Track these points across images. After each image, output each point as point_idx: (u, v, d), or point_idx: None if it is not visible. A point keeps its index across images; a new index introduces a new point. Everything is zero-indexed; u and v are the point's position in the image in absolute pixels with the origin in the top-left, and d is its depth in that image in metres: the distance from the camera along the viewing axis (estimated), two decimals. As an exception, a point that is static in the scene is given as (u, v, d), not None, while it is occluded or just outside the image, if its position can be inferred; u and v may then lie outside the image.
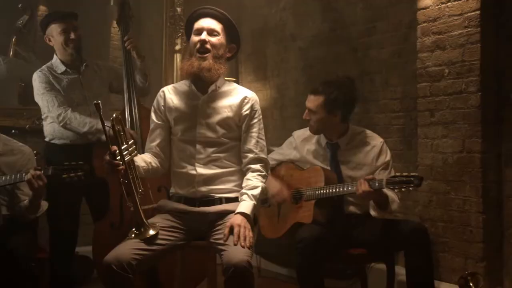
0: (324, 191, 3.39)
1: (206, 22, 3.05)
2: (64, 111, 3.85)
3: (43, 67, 3.99)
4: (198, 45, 3.01)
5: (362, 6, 4.46)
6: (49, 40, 3.97)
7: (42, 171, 3.34)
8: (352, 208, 3.47)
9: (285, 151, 3.74)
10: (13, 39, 4.79)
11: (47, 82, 3.90)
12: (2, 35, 4.80)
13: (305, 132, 3.66)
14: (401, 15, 4.17)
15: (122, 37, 4.07)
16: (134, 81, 3.98)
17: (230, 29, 3.11)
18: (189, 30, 3.14)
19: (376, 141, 3.53)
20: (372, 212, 3.35)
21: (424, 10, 3.77)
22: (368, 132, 3.59)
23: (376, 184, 3.17)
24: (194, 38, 3.04)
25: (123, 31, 4.07)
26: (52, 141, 3.98)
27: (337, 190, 3.35)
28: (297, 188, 3.54)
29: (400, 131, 4.22)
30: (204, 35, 3.02)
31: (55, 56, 4.00)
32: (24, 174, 3.36)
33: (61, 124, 3.86)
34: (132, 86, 3.97)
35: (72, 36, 3.92)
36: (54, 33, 3.93)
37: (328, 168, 3.52)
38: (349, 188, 3.31)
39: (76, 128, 3.84)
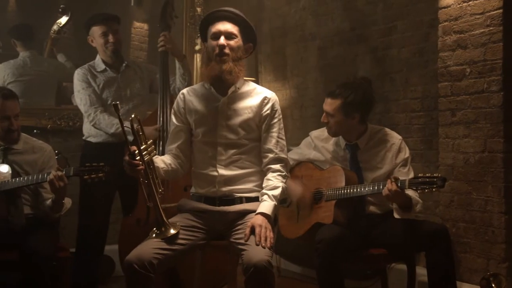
0: (345, 191, 3.37)
1: (223, 26, 3.04)
2: (94, 111, 3.91)
3: (85, 64, 4.06)
4: (217, 50, 3.01)
5: (383, 5, 4.44)
6: (91, 41, 4.03)
7: (64, 172, 3.37)
8: (372, 208, 3.46)
9: (304, 151, 3.73)
10: (49, 40, 4.83)
11: (84, 80, 3.98)
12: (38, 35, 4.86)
13: (322, 132, 3.65)
14: (422, 14, 4.14)
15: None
16: (167, 80, 4.01)
17: (246, 29, 3.11)
18: (204, 33, 3.15)
19: (395, 138, 3.51)
20: (396, 215, 3.32)
21: (446, 9, 3.74)
22: (387, 130, 3.57)
23: (399, 184, 3.16)
24: (212, 43, 3.04)
25: (162, 30, 4.09)
26: (88, 139, 4.05)
27: (359, 190, 3.34)
28: (317, 188, 3.53)
29: (420, 130, 4.20)
30: (222, 40, 3.01)
31: (98, 55, 4.07)
32: (46, 175, 3.39)
33: (91, 124, 3.94)
34: (165, 85, 4.00)
35: (111, 39, 3.97)
36: (95, 35, 3.99)
37: (348, 168, 3.51)
38: (371, 189, 3.30)
39: (104, 128, 3.91)
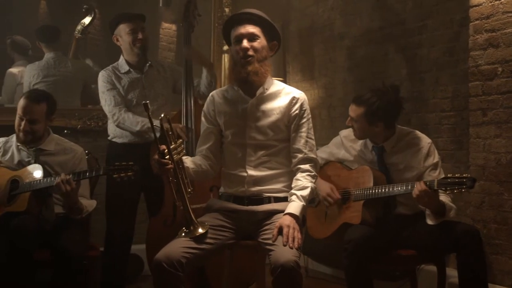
0: (374, 191, 3.35)
1: (244, 28, 3.04)
2: (119, 110, 3.93)
3: (109, 66, 4.09)
4: (241, 53, 3.02)
5: (412, 4, 4.40)
6: (117, 40, 4.05)
7: (71, 176, 3.39)
8: (401, 209, 3.43)
9: (333, 150, 3.72)
10: (74, 40, 4.88)
11: (109, 82, 4.00)
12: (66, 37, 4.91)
13: (351, 132, 3.63)
14: (452, 13, 4.09)
15: (185, 36, 4.12)
16: (191, 82, 4.02)
17: (268, 28, 3.10)
18: (227, 36, 3.16)
19: (424, 142, 3.47)
20: (429, 221, 3.29)
21: (477, 7, 3.70)
22: (416, 133, 3.54)
23: (428, 184, 3.12)
24: (236, 47, 3.05)
25: (186, 29, 4.11)
26: (113, 140, 4.08)
27: (387, 190, 3.31)
28: (345, 188, 3.52)
29: (450, 130, 4.15)
30: (245, 43, 3.02)
31: (121, 56, 4.09)
32: (53, 178, 3.42)
33: (115, 124, 3.95)
34: (190, 86, 4.01)
35: (140, 36, 3.99)
36: (123, 33, 4.00)
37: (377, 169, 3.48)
38: (399, 189, 3.27)
39: (129, 127, 3.91)
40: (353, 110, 3.50)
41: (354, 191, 3.45)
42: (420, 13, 4.35)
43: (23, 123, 3.56)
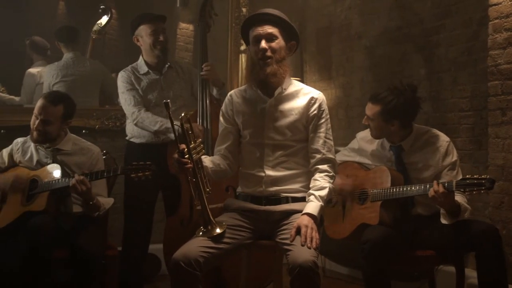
0: (391, 191, 3.33)
1: (262, 29, 3.04)
2: (138, 110, 3.94)
3: (128, 66, 4.10)
4: (259, 54, 3.02)
5: (431, 3, 4.38)
6: (137, 40, 4.06)
7: (93, 175, 3.43)
8: (419, 210, 3.41)
9: (349, 153, 3.71)
10: (91, 41, 4.91)
11: (128, 82, 4.01)
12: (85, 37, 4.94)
13: (368, 133, 3.62)
14: (471, 12, 4.06)
15: (201, 36, 4.13)
16: (207, 82, 4.03)
17: (287, 29, 3.09)
18: (245, 36, 3.16)
19: (442, 141, 3.45)
20: (443, 221, 3.27)
21: (496, 6, 3.66)
22: (434, 131, 3.51)
23: (446, 185, 3.10)
24: (254, 47, 3.05)
25: (202, 29, 4.12)
26: (131, 140, 4.10)
27: (404, 190, 3.29)
28: (362, 188, 3.50)
29: (469, 130, 4.12)
30: (263, 43, 3.01)
31: (140, 57, 4.10)
32: (68, 179, 3.45)
33: (134, 123, 3.96)
34: (206, 86, 4.02)
35: (161, 38, 4.00)
36: (144, 34, 4.01)
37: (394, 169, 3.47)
38: (417, 189, 3.25)
39: (148, 126, 3.92)
40: (370, 109, 3.49)
41: (371, 192, 3.43)
42: (439, 12, 4.32)
43: (37, 122, 3.59)
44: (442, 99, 4.30)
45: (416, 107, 3.47)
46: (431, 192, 3.12)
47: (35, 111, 3.61)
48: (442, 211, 3.27)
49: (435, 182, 3.14)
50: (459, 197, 3.22)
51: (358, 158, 3.64)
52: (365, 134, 3.66)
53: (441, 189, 3.09)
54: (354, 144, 3.71)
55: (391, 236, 3.24)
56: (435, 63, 4.36)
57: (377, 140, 3.58)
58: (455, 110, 4.21)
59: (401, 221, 3.38)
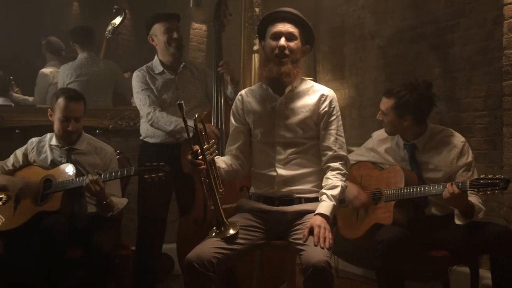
0: (405, 191, 3.32)
1: (284, 27, 3.03)
2: (153, 110, 3.95)
3: (143, 66, 4.11)
4: (277, 51, 3.01)
5: (445, 2, 4.35)
6: (152, 40, 4.07)
7: (99, 176, 3.43)
8: (433, 210, 3.39)
9: (363, 152, 3.71)
10: (104, 41, 4.93)
11: (143, 82, 4.02)
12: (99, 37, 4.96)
13: (383, 132, 3.61)
14: (486, 11, 4.03)
15: (216, 35, 4.13)
16: (222, 82, 4.04)
17: (305, 31, 3.09)
18: (262, 32, 3.14)
19: (457, 141, 3.43)
20: (457, 221, 3.25)
21: (511, 5, 3.64)
22: (449, 131, 3.50)
23: (460, 185, 3.08)
24: (272, 43, 3.04)
25: (217, 29, 4.13)
26: (145, 139, 4.11)
27: (418, 191, 3.28)
28: (376, 188, 3.49)
29: (484, 130, 4.09)
30: (283, 41, 3.01)
31: (156, 56, 4.11)
32: (82, 179, 3.46)
33: (149, 123, 3.97)
34: (220, 86, 4.02)
35: (175, 35, 4.01)
36: (158, 33, 4.02)
37: (409, 169, 3.45)
38: (431, 189, 3.23)
39: (163, 126, 3.93)
40: (383, 103, 3.49)
41: (385, 192, 3.42)
42: (453, 11, 4.29)
43: (71, 124, 3.60)
44: (457, 98, 4.27)
45: (430, 103, 3.45)
46: (445, 194, 3.10)
47: (63, 113, 3.59)
48: (456, 211, 3.25)
49: (448, 184, 3.12)
50: (473, 198, 3.20)
51: (372, 157, 3.63)
52: (380, 133, 3.66)
53: (456, 190, 3.07)
54: (369, 143, 3.71)
55: (404, 236, 3.22)
56: (450, 62, 4.33)
57: (392, 139, 3.57)
58: (470, 110, 4.18)
59: (415, 221, 3.37)
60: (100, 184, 3.42)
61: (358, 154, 3.72)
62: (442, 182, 3.27)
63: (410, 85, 3.45)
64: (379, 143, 3.63)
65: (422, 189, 3.27)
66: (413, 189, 3.30)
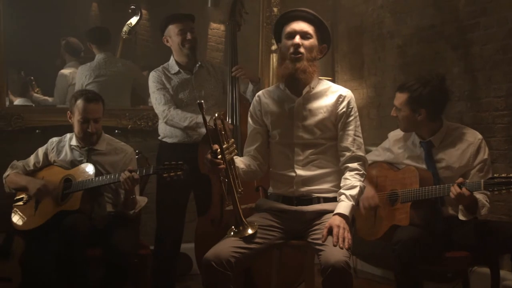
0: (420, 193, 3.30)
1: (298, 25, 3.03)
2: (168, 108, 3.97)
3: (159, 67, 4.13)
4: (291, 49, 3.00)
5: (465, 1, 4.32)
6: (167, 41, 4.08)
7: (137, 171, 3.46)
8: (450, 210, 3.37)
9: (380, 153, 3.70)
10: (121, 41, 4.95)
11: (159, 82, 4.04)
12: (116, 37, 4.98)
13: (399, 132, 3.61)
14: (506, 10, 3.99)
15: (231, 35, 4.13)
16: (237, 81, 4.03)
17: (321, 30, 3.08)
18: (278, 32, 3.14)
19: (474, 138, 3.41)
20: (461, 217, 3.24)
21: (532, 3, 3.61)
22: (465, 128, 3.48)
23: (474, 187, 3.06)
24: (287, 42, 3.03)
25: (232, 28, 4.13)
26: (164, 139, 4.12)
27: (433, 191, 3.26)
28: (392, 189, 3.48)
29: (504, 130, 4.05)
30: (297, 39, 3.00)
31: (171, 57, 4.12)
32: (118, 175, 3.48)
33: (164, 121, 3.99)
34: (235, 85, 4.01)
35: (189, 36, 4.02)
36: (172, 34, 4.03)
37: (424, 167, 3.43)
38: (445, 189, 3.21)
39: (178, 123, 3.94)
40: (397, 98, 3.49)
41: (401, 193, 3.40)
42: (473, 10, 4.25)
43: (90, 125, 3.62)
44: (477, 98, 4.23)
45: (444, 97, 3.44)
46: (453, 193, 3.09)
47: (83, 115, 3.62)
48: (460, 207, 3.24)
49: (455, 185, 3.10)
50: (479, 194, 3.18)
51: (388, 157, 3.61)
52: (396, 133, 3.65)
53: (466, 192, 3.05)
54: (386, 143, 3.70)
55: (422, 237, 3.21)
56: (470, 61, 4.29)
57: (408, 138, 3.56)
58: (490, 109, 4.14)
59: (433, 221, 3.34)
60: (137, 180, 3.44)
61: (375, 155, 3.72)
62: (457, 179, 3.25)
63: (423, 79, 3.44)
64: (395, 143, 3.62)
65: (437, 189, 3.24)
66: (428, 190, 3.27)
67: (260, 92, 3.23)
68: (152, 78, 4.07)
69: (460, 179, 3.15)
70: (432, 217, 3.36)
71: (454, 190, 3.09)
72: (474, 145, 3.37)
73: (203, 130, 3.82)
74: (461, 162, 3.37)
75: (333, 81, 5.20)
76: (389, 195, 3.48)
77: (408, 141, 3.56)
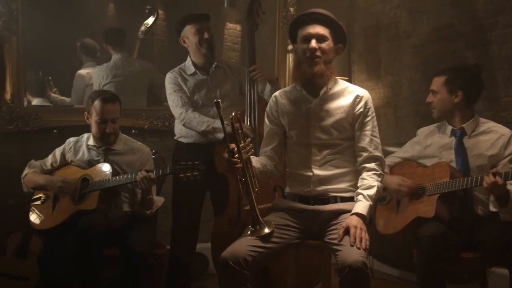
0: (449, 185, 3.27)
1: (314, 29, 3.02)
2: (185, 111, 3.97)
3: (176, 68, 4.13)
4: (308, 53, 3.00)
5: (483, 0, 4.28)
6: (184, 42, 4.08)
7: (154, 171, 3.47)
8: (478, 209, 3.34)
9: (408, 148, 3.69)
10: (138, 41, 4.97)
11: (175, 83, 4.05)
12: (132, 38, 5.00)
13: (429, 128, 3.63)
14: (526, 8, 3.97)
15: (249, 34, 4.13)
16: (255, 81, 4.03)
17: (336, 30, 3.07)
18: (293, 35, 3.13)
19: (505, 130, 3.43)
20: (492, 208, 3.23)
21: (552, 2, 3.57)
22: (495, 123, 3.51)
23: (510, 175, 3.05)
24: (303, 46, 3.03)
25: (250, 28, 4.12)
26: (179, 139, 4.13)
27: (462, 183, 3.23)
28: (420, 184, 3.45)
29: (524, 129, 4.02)
30: (313, 43, 2.99)
31: (188, 57, 4.13)
32: (134, 175, 3.49)
33: (182, 123, 3.99)
34: (253, 86, 4.01)
35: (206, 36, 4.01)
36: (189, 34, 4.03)
37: (453, 157, 3.43)
38: (475, 181, 3.18)
39: (195, 127, 3.94)
40: (434, 82, 3.55)
41: (429, 186, 3.38)
42: (492, 9, 4.22)
43: (108, 126, 3.64)
44: (495, 97, 4.20)
45: (481, 85, 3.51)
46: (486, 181, 3.07)
47: (100, 115, 3.64)
48: (491, 198, 3.23)
49: (490, 175, 3.08)
50: (509, 186, 3.16)
51: (417, 151, 3.61)
52: (426, 128, 3.67)
53: (500, 181, 3.04)
54: (414, 139, 3.71)
55: (448, 234, 3.18)
56: (488, 61, 4.26)
57: (438, 130, 3.56)
58: (509, 109, 4.10)
59: (458, 219, 3.32)
60: (151, 180, 3.44)
61: (402, 151, 3.72)
62: (488, 168, 3.25)
63: (460, 65, 3.53)
64: (424, 137, 3.62)
65: (468, 181, 3.22)
66: (457, 182, 3.25)
67: (276, 93, 3.23)
68: (169, 79, 4.08)
69: (495, 169, 3.14)
70: (459, 213, 3.34)
71: (488, 179, 3.07)
72: (506, 137, 3.39)
73: (219, 135, 3.83)
74: (493, 150, 3.36)
75: (350, 81, 5.18)
76: (415, 189, 3.45)
77: (437, 134, 3.57)
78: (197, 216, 4.13)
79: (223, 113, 2.91)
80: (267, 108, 3.20)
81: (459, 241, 3.25)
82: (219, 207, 4.03)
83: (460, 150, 3.42)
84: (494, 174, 3.07)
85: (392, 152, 3.81)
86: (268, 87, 4.06)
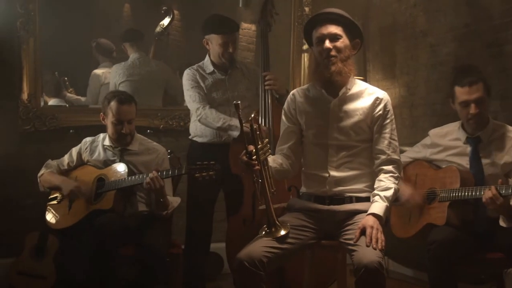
0: (460, 193, 3.25)
1: (326, 29, 3.00)
2: (202, 106, 3.97)
3: (194, 65, 4.14)
4: (324, 54, 2.98)
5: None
6: (206, 43, 4.08)
7: (159, 174, 3.48)
8: (490, 212, 3.31)
9: (420, 149, 3.65)
10: (154, 42, 4.99)
11: (193, 80, 4.05)
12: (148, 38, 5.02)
13: (441, 129, 3.57)
14: (542, 8, 3.93)
15: (262, 35, 4.12)
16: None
17: (350, 27, 3.05)
18: (309, 38, 3.12)
19: None
20: (502, 223, 3.18)
21: None
22: (509, 126, 3.42)
23: (510, 191, 3.00)
24: (318, 47, 3.02)
25: (263, 28, 4.12)
26: (194, 139, 4.13)
27: (473, 193, 3.20)
28: (431, 188, 3.43)
29: (540, 129, 3.98)
30: (327, 43, 2.98)
31: (207, 56, 4.13)
32: (144, 176, 3.50)
33: (198, 119, 3.99)
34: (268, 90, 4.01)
35: (230, 50, 4.02)
36: (214, 42, 4.02)
37: (468, 165, 3.38)
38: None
39: (211, 123, 3.94)
40: (475, 90, 3.34)
41: (440, 192, 3.36)
42: (508, 8, 4.19)
43: (124, 126, 3.66)
44: (511, 97, 4.17)
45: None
46: (485, 196, 3.04)
47: (117, 116, 3.66)
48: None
49: (492, 188, 3.05)
50: None
51: (430, 154, 3.56)
52: (438, 130, 3.61)
53: (496, 196, 3.00)
54: (426, 140, 3.65)
55: (458, 238, 3.17)
56: (504, 60, 4.23)
57: (452, 134, 3.50)
58: (525, 109, 4.08)
59: (470, 223, 3.29)
60: (160, 181, 3.46)
61: (414, 151, 3.67)
62: (502, 176, 3.20)
63: (473, 67, 3.46)
64: (437, 140, 3.56)
65: (477, 192, 3.19)
66: (468, 192, 3.22)
67: (294, 91, 3.21)
68: (187, 76, 4.08)
69: (500, 180, 3.09)
70: (472, 217, 3.31)
71: (486, 194, 3.04)
72: None
73: (234, 133, 3.83)
74: (506, 158, 3.32)
75: (365, 80, 5.16)
76: (427, 193, 3.44)
77: (450, 137, 3.51)
78: (211, 215, 4.13)
79: (241, 114, 2.91)
80: (285, 106, 3.19)
81: (474, 243, 3.22)
82: (233, 207, 4.03)
83: (475, 158, 3.37)
84: (497, 188, 3.03)
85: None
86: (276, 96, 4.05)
